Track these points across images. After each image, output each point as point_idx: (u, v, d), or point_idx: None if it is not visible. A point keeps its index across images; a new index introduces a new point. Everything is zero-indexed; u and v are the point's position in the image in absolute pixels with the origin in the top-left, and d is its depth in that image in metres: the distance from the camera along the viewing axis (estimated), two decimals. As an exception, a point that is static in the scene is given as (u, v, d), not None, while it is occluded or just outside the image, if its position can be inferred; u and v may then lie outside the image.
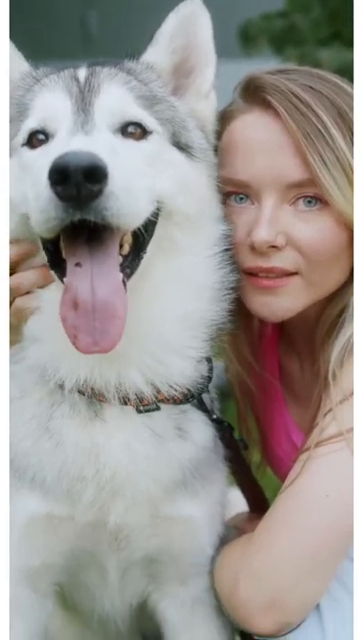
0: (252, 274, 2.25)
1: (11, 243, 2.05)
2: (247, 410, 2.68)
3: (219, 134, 2.32)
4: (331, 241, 2.20)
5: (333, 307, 2.30)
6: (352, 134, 2.18)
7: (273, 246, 2.19)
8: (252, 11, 7.47)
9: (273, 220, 2.19)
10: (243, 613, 2.15)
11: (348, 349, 2.20)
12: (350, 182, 2.15)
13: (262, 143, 2.21)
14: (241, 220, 2.25)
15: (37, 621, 2.26)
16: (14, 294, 2.08)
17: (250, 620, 2.14)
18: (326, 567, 2.14)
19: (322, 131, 2.15)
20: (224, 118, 2.32)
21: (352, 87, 2.26)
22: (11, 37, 2.19)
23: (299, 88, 2.19)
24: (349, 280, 2.27)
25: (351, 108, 2.20)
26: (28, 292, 2.08)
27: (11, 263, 2.06)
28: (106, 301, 1.79)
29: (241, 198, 2.27)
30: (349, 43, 6.41)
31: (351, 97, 2.23)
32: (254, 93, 2.26)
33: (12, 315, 2.10)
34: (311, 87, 2.21)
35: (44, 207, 1.75)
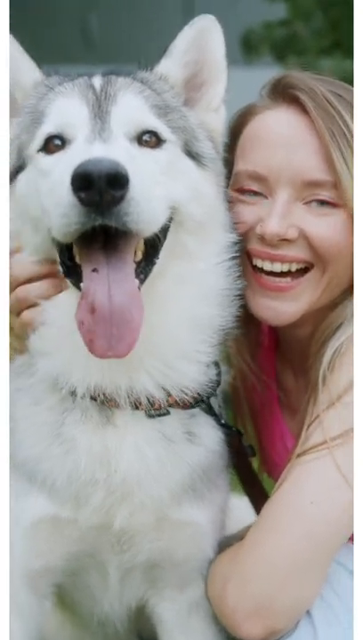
0: (258, 273, 2.28)
1: (35, 262, 2.07)
2: (246, 416, 2.70)
3: (239, 130, 2.36)
4: (342, 238, 2.22)
5: (330, 322, 2.30)
6: None
7: (284, 239, 2.22)
8: (254, 19, 7.51)
9: (285, 214, 2.22)
10: (231, 619, 2.15)
11: (340, 353, 2.22)
12: None
13: (285, 138, 2.25)
14: (253, 209, 2.28)
15: (35, 621, 2.28)
16: (21, 306, 2.10)
17: (238, 625, 2.14)
18: (312, 573, 2.14)
19: (347, 134, 2.19)
20: (247, 114, 2.36)
21: None
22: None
23: (327, 91, 2.24)
24: (345, 296, 2.30)
25: None
26: (33, 305, 2.09)
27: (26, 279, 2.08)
28: (122, 307, 1.82)
29: (255, 194, 2.30)
30: (349, 52, 6.46)
31: None
32: (282, 90, 2.30)
33: (18, 327, 2.12)
34: (338, 94, 2.25)
35: (65, 212, 1.77)
